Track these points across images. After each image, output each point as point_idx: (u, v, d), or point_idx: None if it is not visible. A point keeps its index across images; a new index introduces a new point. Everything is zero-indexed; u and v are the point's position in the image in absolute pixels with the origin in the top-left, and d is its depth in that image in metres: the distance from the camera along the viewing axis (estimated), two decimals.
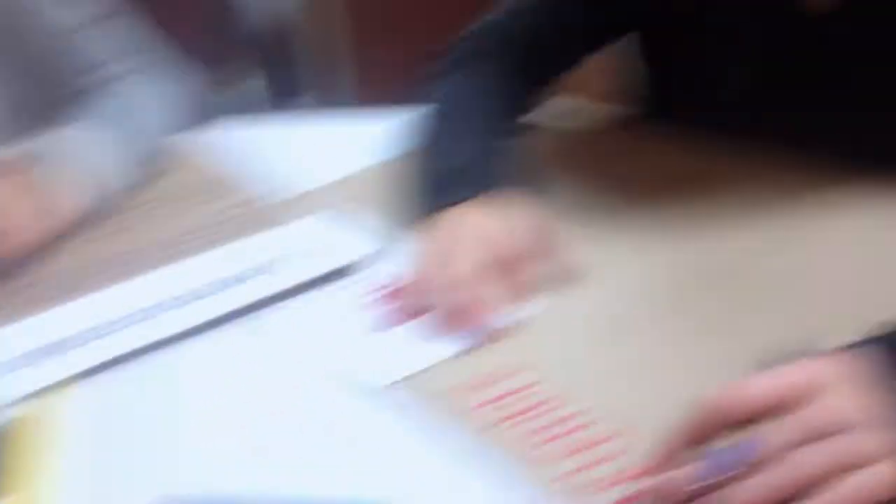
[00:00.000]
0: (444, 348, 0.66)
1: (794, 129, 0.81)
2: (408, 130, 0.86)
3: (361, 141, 0.95)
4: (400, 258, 0.75)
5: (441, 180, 0.78)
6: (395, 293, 0.72)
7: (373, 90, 1.38)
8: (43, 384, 0.67)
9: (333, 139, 1.01)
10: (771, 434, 0.46)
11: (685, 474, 0.47)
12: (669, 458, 0.49)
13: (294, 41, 1.82)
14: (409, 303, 0.69)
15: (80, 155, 0.89)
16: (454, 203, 0.74)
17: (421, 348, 0.67)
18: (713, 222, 0.77)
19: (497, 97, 0.87)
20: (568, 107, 0.98)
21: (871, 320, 0.54)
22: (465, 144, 0.80)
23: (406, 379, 0.64)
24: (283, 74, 1.84)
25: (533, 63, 0.90)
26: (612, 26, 0.92)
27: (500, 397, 0.61)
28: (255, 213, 0.87)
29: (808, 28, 0.78)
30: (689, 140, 0.87)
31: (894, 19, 0.75)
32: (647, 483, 0.50)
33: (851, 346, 0.51)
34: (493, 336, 0.66)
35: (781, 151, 0.81)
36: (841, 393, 0.47)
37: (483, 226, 0.72)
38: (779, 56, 0.81)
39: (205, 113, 1.05)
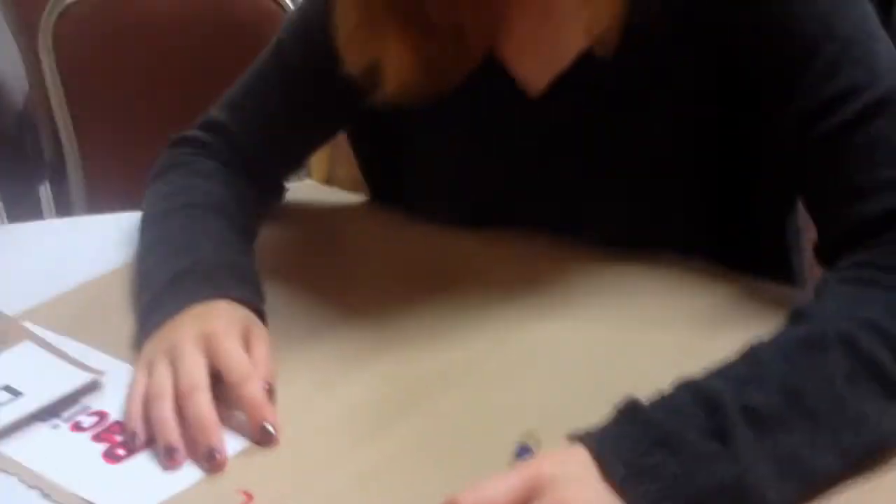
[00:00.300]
0: (177, 479, 0.62)
1: (521, 209, 0.84)
2: (130, 237, 0.84)
3: (85, 250, 0.91)
4: (122, 383, 0.70)
5: (155, 295, 0.75)
6: (119, 424, 0.67)
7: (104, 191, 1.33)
8: None
9: (52, 249, 0.94)
10: None
11: None
12: None
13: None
14: (131, 433, 0.65)
15: None
16: (169, 316, 0.71)
17: (153, 480, 0.62)
18: (445, 315, 0.77)
19: (216, 201, 0.85)
20: (304, 193, 0.99)
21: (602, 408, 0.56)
22: (180, 254, 0.78)
23: None
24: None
25: (253, 164, 0.90)
26: (327, 126, 0.94)
27: None
28: None
29: (528, 111, 0.81)
30: (416, 226, 0.89)
31: (605, 99, 0.78)
32: None
33: (580, 439, 0.54)
34: (221, 462, 0.62)
35: (509, 234, 0.84)
36: (568, 487, 0.51)
37: (205, 332, 0.68)
38: (502, 138, 0.83)
39: None
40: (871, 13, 0.70)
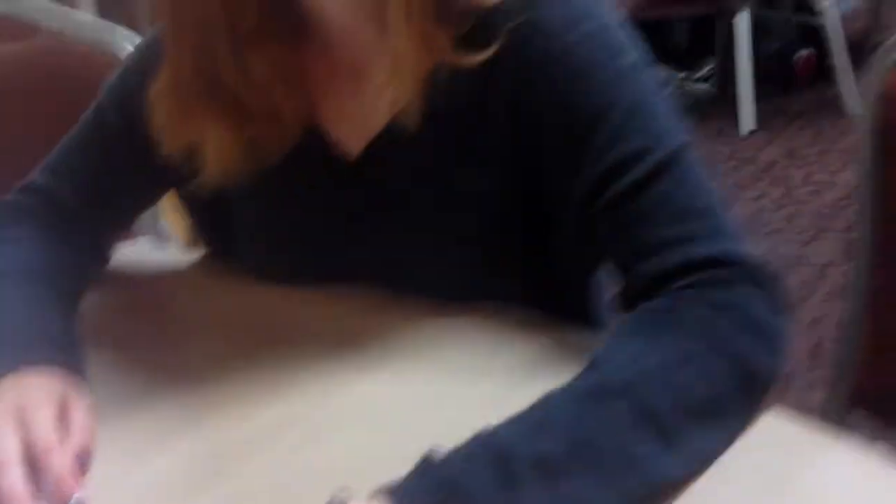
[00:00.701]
0: None
1: (345, 266, 0.87)
2: None
3: None
4: None
5: None
6: None
7: None
8: None
9: None
10: None
11: None
12: None
13: None
14: None
15: None
16: None
17: None
18: (264, 376, 0.78)
19: (30, 267, 0.84)
20: (138, 252, 1.01)
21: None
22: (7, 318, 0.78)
23: None
24: None
25: (74, 227, 0.89)
26: (150, 190, 0.95)
27: None
28: None
29: (346, 174, 0.84)
30: (243, 284, 0.91)
31: (412, 167, 0.82)
32: None
33: (382, 492, 0.57)
34: None
35: (334, 291, 0.86)
36: None
37: (17, 405, 0.69)
38: (323, 199, 0.86)
39: None
40: (652, 78, 0.76)
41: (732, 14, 3.04)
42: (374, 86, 0.77)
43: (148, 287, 0.98)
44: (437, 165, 0.81)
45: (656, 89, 0.75)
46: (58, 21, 1.25)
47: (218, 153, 0.79)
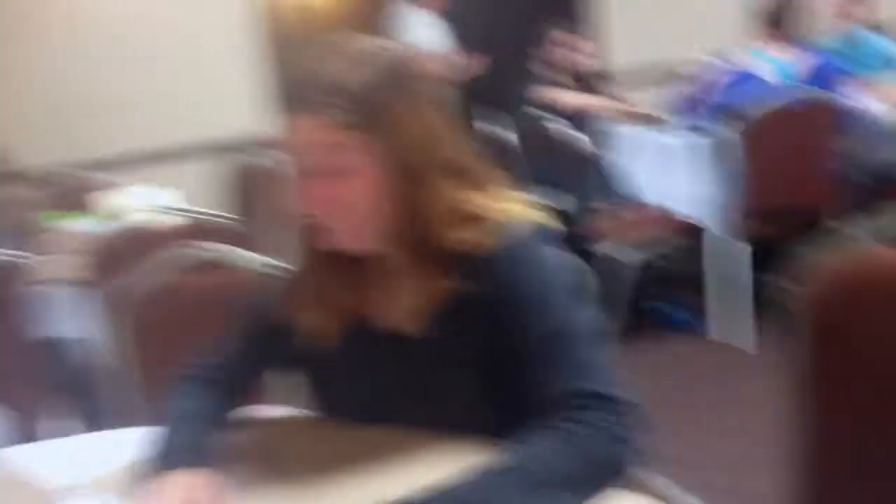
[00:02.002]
0: None
1: (401, 421, 1.24)
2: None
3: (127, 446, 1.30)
4: None
5: (158, 460, 1.18)
6: None
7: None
8: None
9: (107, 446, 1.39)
10: None
11: None
12: None
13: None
14: None
15: None
16: (164, 472, 1.15)
17: None
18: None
19: (203, 413, 1.29)
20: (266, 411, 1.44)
21: None
22: (175, 440, 1.23)
23: None
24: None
25: (224, 394, 1.34)
26: (271, 368, 1.39)
27: None
28: None
29: (402, 347, 1.23)
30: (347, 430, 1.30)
31: (468, 338, 1.20)
32: None
33: None
34: None
35: (397, 437, 1.23)
36: None
37: (182, 487, 1.13)
38: (383, 369, 1.27)
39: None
40: (570, 281, 1.19)
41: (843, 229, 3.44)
42: (399, 297, 1.21)
43: (269, 434, 1.40)
44: (440, 345, 1.20)
45: (574, 295, 1.17)
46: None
47: (318, 331, 1.27)
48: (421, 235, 1.18)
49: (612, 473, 1.05)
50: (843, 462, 1.37)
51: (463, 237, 1.17)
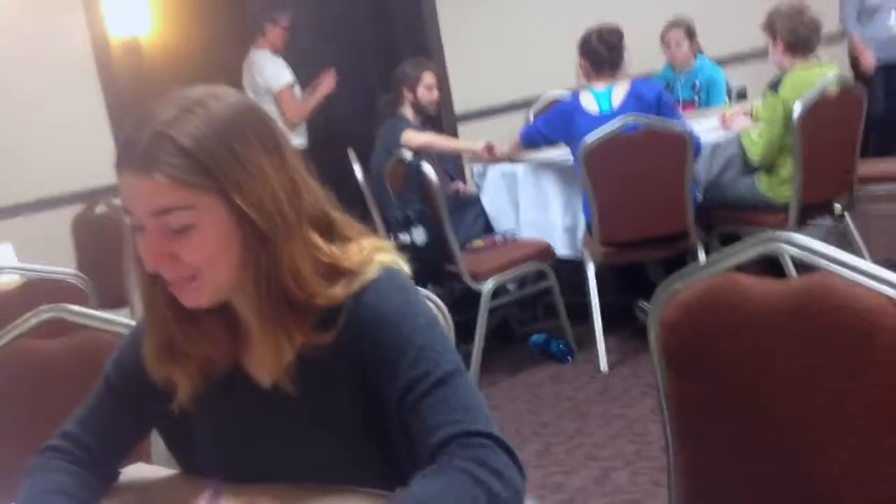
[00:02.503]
0: None
1: (258, 462, 1.24)
2: None
3: None
4: None
5: None
6: None
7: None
8: None
9: None
10: None
11: None
12: None
13: None
14: None
15: None
16: None
17: None
18: None
19: (62, 488, 1.23)
20: (135, 473, 1.38)
21: None
22: None
23: None
24: None
25: (91, 458, 1.29)
26: (140, 427, 1.35)
27: None
28: None
29: (262, 398, 1.22)
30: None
31: (323, 390, 1.18)
32: None
33: None
34: None
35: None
36: None
37: None
38: (243, 415, 1.25)
39: None
40: (434, 322, 1.18)
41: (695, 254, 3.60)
42: (260, 351, 1.20)
43: (141, 495, 1.34)
44: (312, 394, 1.19)
45: (437, 335, 1.16)
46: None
47: (183, 384, 1.22)
48: (276, 288, 1.14)
49: None
50: (705, 482, 1.41)
51: (321, 289, 1.15)
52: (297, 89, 4.91)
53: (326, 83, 4.88)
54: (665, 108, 3.64)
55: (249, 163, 1.11)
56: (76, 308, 1.77)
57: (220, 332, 1.22)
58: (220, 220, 1.11)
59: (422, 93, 4.29)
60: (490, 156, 4.20)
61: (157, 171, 1.08)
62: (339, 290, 1.16)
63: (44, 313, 1.77)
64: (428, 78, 4.30)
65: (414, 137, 4.19)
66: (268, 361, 1.18)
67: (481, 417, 1.11)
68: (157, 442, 1.51)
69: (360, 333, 1.15)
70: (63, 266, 2.87)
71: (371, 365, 1.15)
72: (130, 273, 1.16)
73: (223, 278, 1.14)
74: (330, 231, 1.19)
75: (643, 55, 4.48)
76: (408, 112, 4.33)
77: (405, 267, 1.23)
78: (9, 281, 2.74)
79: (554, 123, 3.82)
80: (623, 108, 3.62)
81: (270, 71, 4.83)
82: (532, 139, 3.95)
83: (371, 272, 1.18)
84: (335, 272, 1.17)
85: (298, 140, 4.91)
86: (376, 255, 1.21)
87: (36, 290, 2.54)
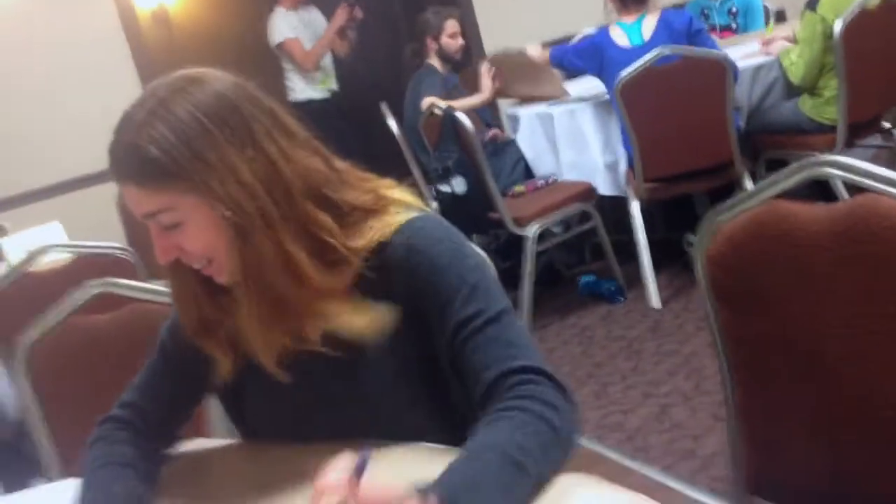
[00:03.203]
0: None
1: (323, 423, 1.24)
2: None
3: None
4: None
5: None
6: None
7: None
8: None
9: None
10: None
11: None
12: None
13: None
14: None
15: None
16: None
17: None
18: None
19: (125, 460, 1.25)
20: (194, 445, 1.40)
21: None
22: (101, 491, 1.20)
23: None
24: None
25: (152, 426, 1.31)
26: (196, 392, 1.35)
27: None
28: None
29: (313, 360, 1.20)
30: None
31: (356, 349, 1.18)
32: None
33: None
34: None
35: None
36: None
37: None
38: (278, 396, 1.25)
39: None
40: (484, 264, 1.19)
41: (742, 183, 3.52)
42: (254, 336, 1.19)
43: (202, 465, 1.36)
44: (371, 346, 1.18)
45: (487, 276, 1.17)
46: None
47: (221, 360, 1.25)
48: (262, 282, 1.14)
49: (570, 441, 1.07)
50: (763, 415, 1.40)
51: (330, 264, 1.16)
52: (303, 41, 4.85)
53: (339, 17, 4.84)
54: (697, 36, 3.54)
55: (217, 161, 1.11)
56: (123, 281, 1.80)
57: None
58: (205, 216, 1.12)
59: (446, 41, 4.24)
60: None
61: (130, 182, 1.13)
62: (361, 241, 1.17)
63: (92, 289, 1.80)
64: (451, 26, 4.24)
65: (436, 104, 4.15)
66: (259, 348, 1.19)
67: (533, 353, 1.12)
68: (215, 416, 1.55)
69: (415, 278, 1.16)
70: (113, 241, 2.92)
71: (425, 308, 1.16)
72: None
73: (228, 259, 1.15)
74: (332, 191, 1.18)
75: None
76: (435, 62, 4.28)
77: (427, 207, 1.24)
78: (59, 259, 2.79)
79: (585, 55, 3.74)
80: (654, 40, 3.53)
81: (270, 28, 4.84)
82: (560, 62, 3.90)
83: (402, 216, 1.19)
84: (351, 227, 1.18)
85: (326, 88, 4.92)
86: (394, 195, 1.22)
87: (85, 267, 2.58)
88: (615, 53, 3.58)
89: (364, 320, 1.16)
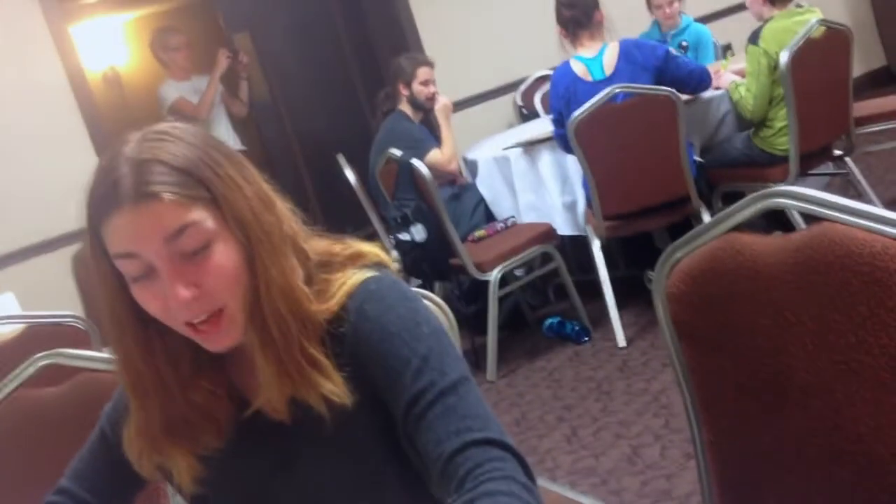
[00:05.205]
0: None
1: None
2: None
3: None
4: None
5: None
6: None
7: None
8: None
9: None
10: None
11: None
12: None
13: None
14: None
15: None
16: None
17: None
18: None
19: None
20: None
21: None
22: None
23: None
24: None
25: None
26: (132, 489, 1.28)
27: None
28: None
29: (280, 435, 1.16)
30: None
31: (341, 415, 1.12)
32: None
33: None
34: None
35: None
36: None
37: None
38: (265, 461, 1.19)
39: None
40: (439, 330, 1.12)
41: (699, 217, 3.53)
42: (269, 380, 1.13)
43: None
44: (331, 423, 1.12)
45: (442, 343, 1.11)
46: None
47: (186, 469, 1.17)
48: (274, 313, 1.09)
49: None
50: (733, 451, 1.37)
51: (315, 303, 1.12)
52: (190, 98, 4.92)
53: (220, 63, 4.93)
54: (672, 61, 3.55)
55: (227, 177, 1.08)
56: (72, 351, 1.74)
57: (222, 383, 1.17)
58: (227, 236, 1.07)
59: (417, 88, 4.24)
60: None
61: (152, 198, 1.03)
62: (333, 303, 1.12)
63: (39, 361, 1.74)
64: (423, 73, 4.24)
65: (441, 159, 4.13)
66: (273, 395, 1.12)
67: (493, 424, 1.05)
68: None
69: (365, 348, 1.11)
70: (70, 307, 2.85)
71: (378, 380, 1.10)
72: None
73: (242, 306, 1.09)
74: (302, 240, 1.15)
75: (630, 16, 4.41)
76: (406, 108, 4.28)
77: (391, 265, 1.19)
78: (11, 330, 2.72)
79: (567, 101, 3.58)
80: (617, 74, 3.52)
81: (158, 98, 4.93)
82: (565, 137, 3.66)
83: (358, 276, 1.14)
84: (322, 281, 1.13)
85: (235, 145, 4.92)
86: (360, 254, 1.18)
87: (36, 337, 2.52)
88: (582, 88, 3.54)
89: (333, 383, 1.11)
